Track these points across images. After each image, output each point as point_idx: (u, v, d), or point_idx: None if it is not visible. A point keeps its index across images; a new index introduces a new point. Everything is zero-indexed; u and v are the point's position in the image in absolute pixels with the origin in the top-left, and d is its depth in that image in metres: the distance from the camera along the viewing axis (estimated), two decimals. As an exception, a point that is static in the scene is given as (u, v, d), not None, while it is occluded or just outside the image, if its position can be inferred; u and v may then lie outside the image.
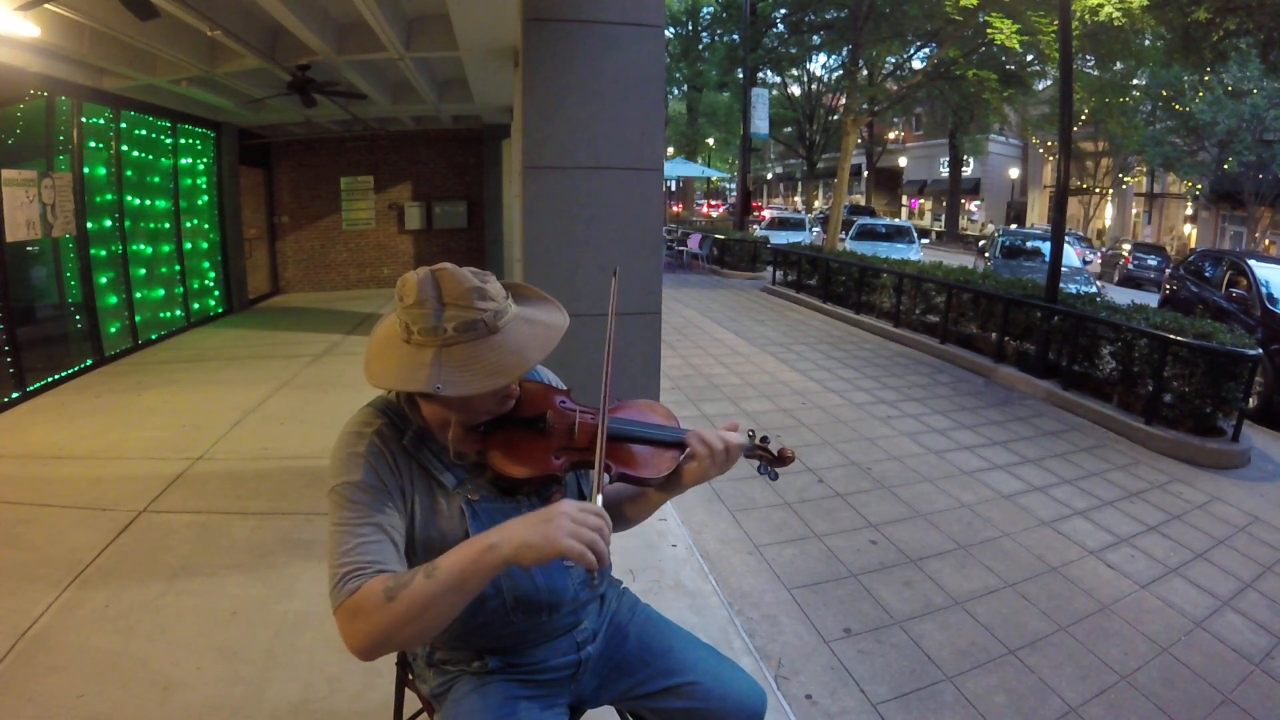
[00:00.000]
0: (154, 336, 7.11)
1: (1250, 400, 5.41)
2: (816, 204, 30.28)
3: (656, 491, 1.31)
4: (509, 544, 0.98)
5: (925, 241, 21.05)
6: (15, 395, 4.95)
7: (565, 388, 1.35)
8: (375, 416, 1.17)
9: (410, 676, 1.40)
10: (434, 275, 1.08)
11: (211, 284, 8.65)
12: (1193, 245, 22.22)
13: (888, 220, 20.85)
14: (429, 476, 1.16)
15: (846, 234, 16.82)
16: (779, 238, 16.60)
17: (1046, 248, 9.40)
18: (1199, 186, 22.14)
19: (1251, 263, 7.63)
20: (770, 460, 1.34)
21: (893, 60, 16.88)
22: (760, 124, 16.29)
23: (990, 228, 23.90)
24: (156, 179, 7.33)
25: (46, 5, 4.19)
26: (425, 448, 1.17)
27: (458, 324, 1.06)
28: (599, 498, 1.05)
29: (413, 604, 0.97)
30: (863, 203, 32.63)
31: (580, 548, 0.96)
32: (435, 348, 1.06)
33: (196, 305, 8.18)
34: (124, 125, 6.67)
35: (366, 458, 1.11)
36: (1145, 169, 25.08)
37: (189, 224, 8.04)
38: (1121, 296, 8.90)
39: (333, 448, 1.15)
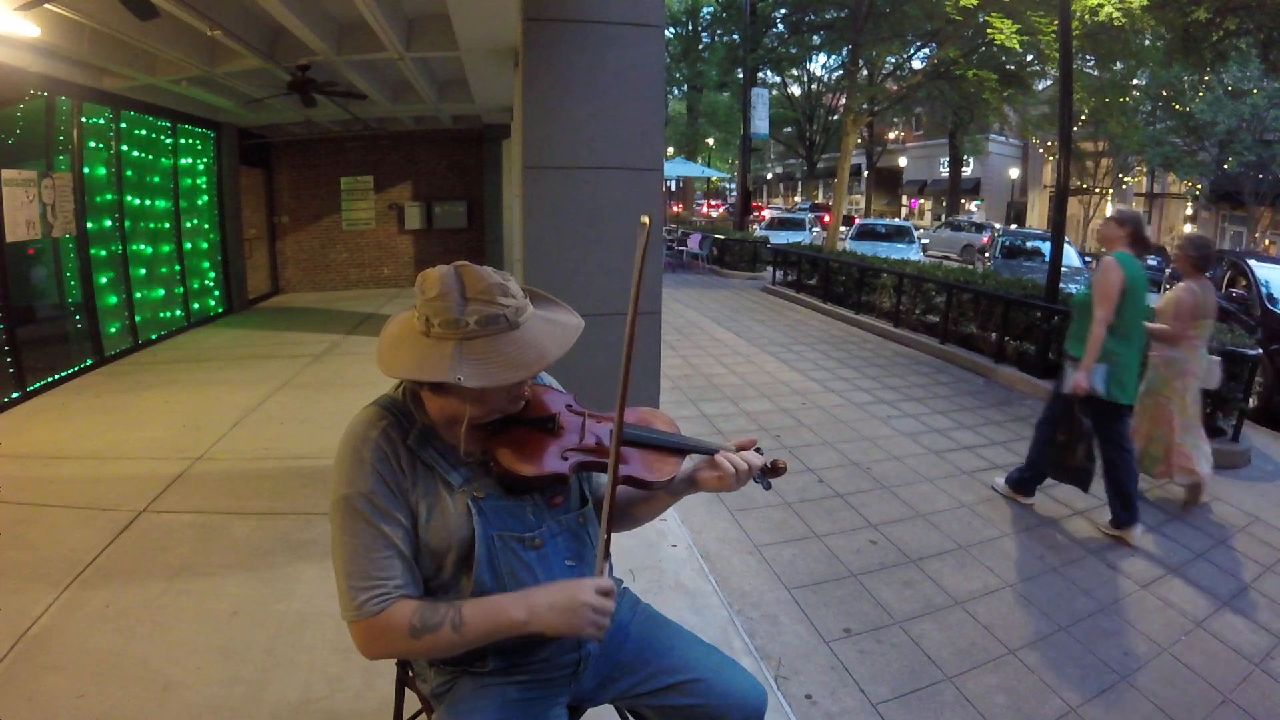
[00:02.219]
0: (154, 336, 7.12)
1: (1250, 400, 5.41)
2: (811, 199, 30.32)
3: (665, 494, 1.34)
4: (536, 624, 1.11)
5: (926, 242, 21.10)
6: (15, 395, 4.95)
7: (570, 394, 1.36)
8: (380, 416, 1.17)
9: (410, 675, 1.40)
10: (457, 270, 1.10)
11: (211, 284, 8.65)
12: (1192, 245, 22.14)
13: (888, 220, 20.87)
14: (435, 475, 1.17)
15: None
16: (779, 237, 16.59)
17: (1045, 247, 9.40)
18: (1199, 186, 22.13)
19: (1251, 263, 7.62)
20: (764, 470, 1.35)
21: (893, 60, 16.87)
22: (760, 124, 16.31)
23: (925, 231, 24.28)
24: (156, 179, 7.33)
25: (46, 5, 4.19)
26: (431, 446, 1.17)
27: (480, 318, 1.08)
28: (607, 566, 1.14)
29: (435, 646, 1.11)
30: (861, 206, 32.68)
31: (599, 634, 1.14)
32: (456, 340, 1.08)
33: (196, 305, 8.18)
34: (124, 125, 6.67)
35: (374, 465, 1.12)
36: (1145, 169, 25.07)
37: (189, 224, 8.04)
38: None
39: (338, 450, 1.15)
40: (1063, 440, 3.62)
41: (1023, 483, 3.93)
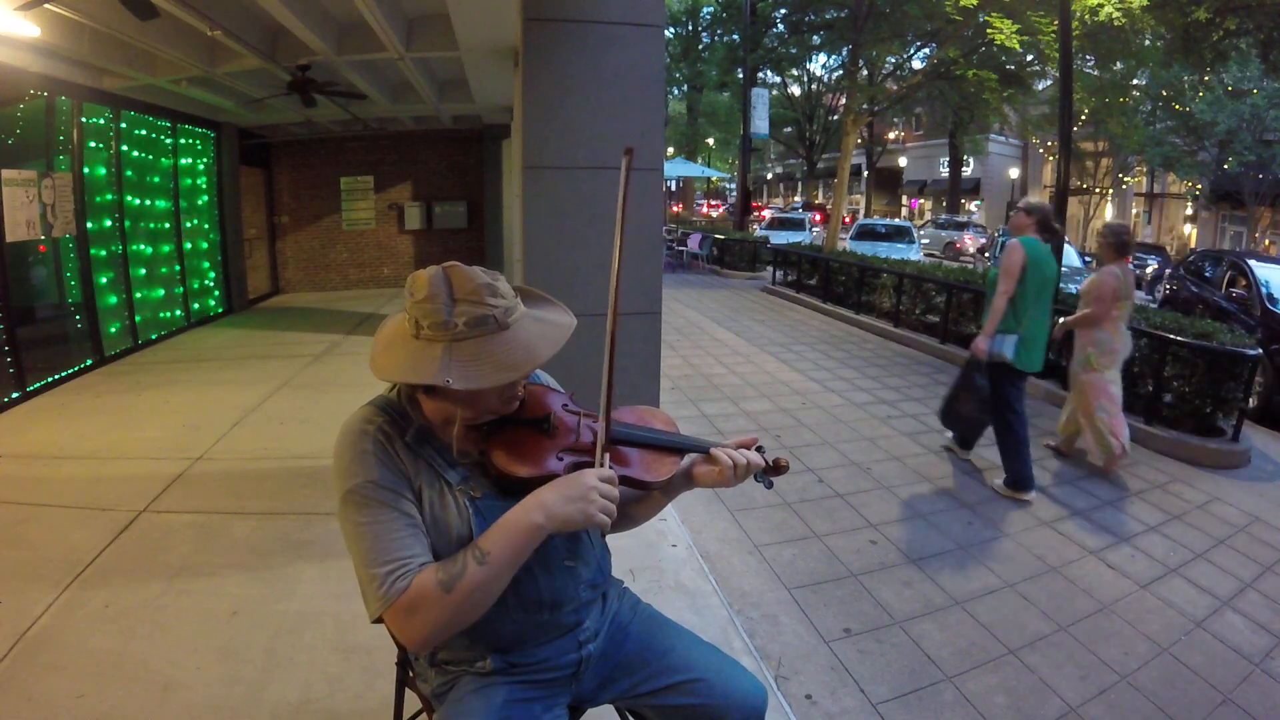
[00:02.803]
0: (154, 336, 7.11)
1: (1250, 400, 5.41)
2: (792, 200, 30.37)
3: (659, 494, 1.33)
4: (552, 522, 1.08)
5: (927, 241, 21.18)
6: (15, 395, 4.95)
7: (567, 392, 1.36)
8: (376, 414, 1.17)
9: (411, 675, 1.40)
10: (445, 272, 1.09)
11: (211, 284, 8.65)
12: (1193, 245, 22.23)
13: (887, 220, 20.90)
14: (434, 472, 1.17)
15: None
16: (779, 237, 16.60)
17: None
18: (1199, 186, 22.13)
19: (1251, 263, 7.63)
20: (766, 469, 1.34)
21: (893, 60, 16.88)
22: (760, 124, 16.31)
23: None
24: (156, 179, 7.33)
25: (46, 5, 4.19)
26: (428, 445, 1.17)
27: (468, 319, 1.07)
28: (606, 457, 1.14)
29: (471, 591, 1.05)
30: (861, 206, 32.68)
31: (607, 520, 1.10)
32: (445, 342, 1.07)
33: (196, 305, 8.18)
34: (124, 125, 6.67)
35: (375, 454, 1.11)
36: (1145, 169, 25.07)
37: (189, 224, 8.04)
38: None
39: (336, 449, 1.14)
40: (956, 393, 4.07)
41: (1018, 480, 4.04)
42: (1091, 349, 4.42)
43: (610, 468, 1.21)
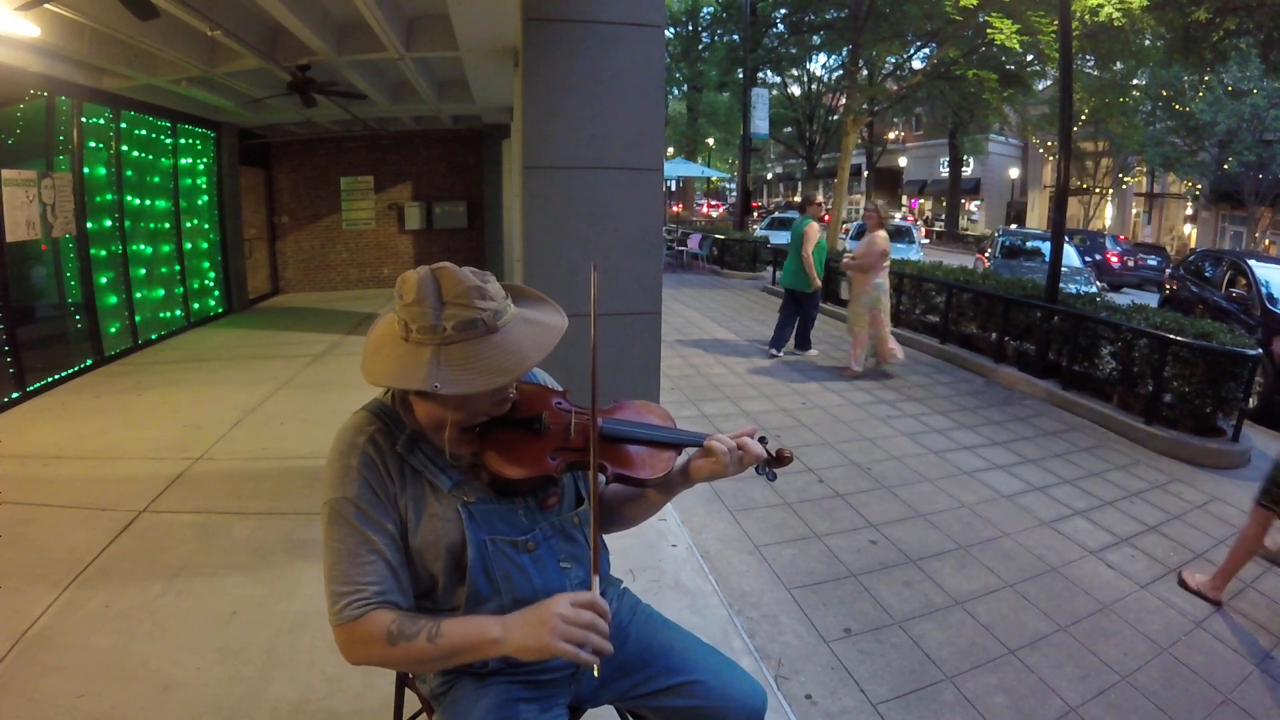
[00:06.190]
0: (154, 336, 7.12)
1: (1250, 400, 5.41)
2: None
3: (656, 492, 1.32)
4: (510, 643, 1.07)
5: (926, 242, 21.15)
6: (15, 395, 4.95)
7: (561, 389, 1.35)
8: (369, 422, 1.17)
9: (411, 675, 1.40)
10: (434, 273, 1.08)
11: (211, 284, 8.65)
12: (1193, 245, 22.23)
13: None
14: (423, 480, 1.16)
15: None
16: (779, 237, 16.59)
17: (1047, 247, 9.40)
18: (1199, 186, 22.14)
19: (1251, 263, 7.62)
20: (768, 460, 1.33)
21: (893, 60, 16.88)
22: (760, 124, 16.28)
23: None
24: (156, 179, 7.33)
25: (46, 5, 4.19)
26: (419, 451, 1.17)
27: (457, 322, 1.06)
28: (595, 580, 1.09)
29: (410, 655, 1.08)
30: (860, 206, 32.67)
31: (573, 650, 1.02)
32: (434, 346, 1.06)
33: (196, 305, 8.18)
34: (124, 125, 6.68)
35: (360, 471, 1.12)
36: (1145, 169, 25.09)
37: (189, 224, 8.04)
38: (1121, 297, 8.87)
39: (328, 454, 1.15)
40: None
41: (773, 343, 7.26)
42: (875, 292, 6.50)
43: (605, 465, 1.21)
